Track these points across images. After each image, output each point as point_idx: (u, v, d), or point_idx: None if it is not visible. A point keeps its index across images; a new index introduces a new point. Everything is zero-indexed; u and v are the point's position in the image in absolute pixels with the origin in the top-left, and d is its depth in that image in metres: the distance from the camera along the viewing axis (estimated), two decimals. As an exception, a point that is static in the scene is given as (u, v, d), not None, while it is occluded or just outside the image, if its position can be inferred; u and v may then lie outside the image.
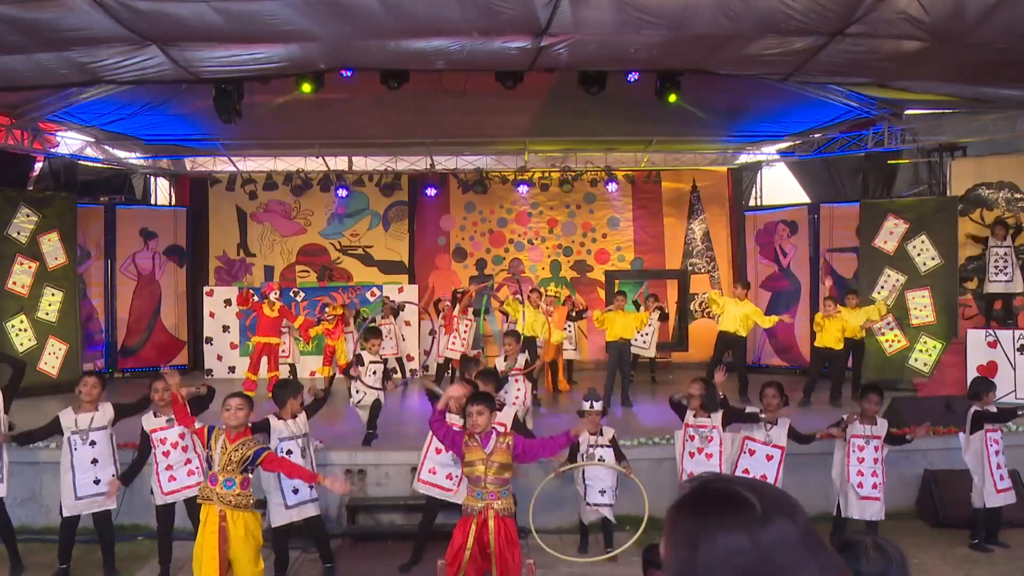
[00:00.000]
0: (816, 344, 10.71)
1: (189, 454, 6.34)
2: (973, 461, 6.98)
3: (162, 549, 6.40)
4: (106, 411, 6.42)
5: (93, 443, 6.32)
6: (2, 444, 6.46)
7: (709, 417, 6.75)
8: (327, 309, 12.27)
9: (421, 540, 6.68)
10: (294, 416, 6.31)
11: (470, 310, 12.19)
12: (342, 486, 5.60)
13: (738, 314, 10.68)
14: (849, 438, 6.77)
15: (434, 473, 6.67)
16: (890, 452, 7.87)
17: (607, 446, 6.62)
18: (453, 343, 12.00)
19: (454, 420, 6.50)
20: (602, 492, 6.61)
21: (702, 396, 6.76)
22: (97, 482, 6.32)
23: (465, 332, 12.05)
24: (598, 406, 6.58)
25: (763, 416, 6.72)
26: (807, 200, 14.52)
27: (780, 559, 1.16)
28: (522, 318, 10.84)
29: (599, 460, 6.56)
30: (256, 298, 11.61)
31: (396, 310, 12.98)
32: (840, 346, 10.53)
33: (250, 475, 5.37)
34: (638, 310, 11.94)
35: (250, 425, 5.56)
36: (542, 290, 12.72)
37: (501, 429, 6.57)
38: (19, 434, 6.52)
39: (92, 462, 6.31)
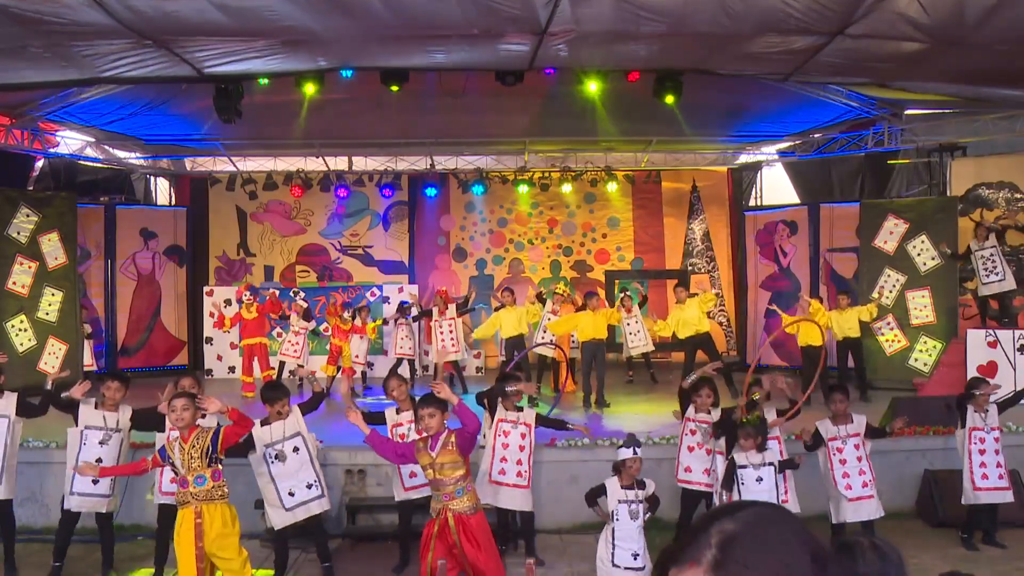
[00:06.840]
0: (800, 344, 10.86)
1: None
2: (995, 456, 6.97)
3: (159, 549, 6.38)
4: (125, 415, 6.45)
5: (103, 443, 6.33)
6: (8, 445, 6.50)
7: (710, 414, 6.75)
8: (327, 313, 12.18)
9: (404, 542, 6.69)
10: (282, 417, 6.22)
11: (449, 308, 11.98)
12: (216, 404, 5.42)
13: (690, 317, 10.80)
14: (826, 442, 6.64)
15: (415, 476, 6.55)
16: (891, 452, 7.89)
17: (643, 502, 5.45)
18: (443, 346, 11.78)
19: (399, 420, 6.53)
20: (635, 556, 5.47)
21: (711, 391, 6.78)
22: (96, 482, 6.31)
23: (451, 332, 11.85)
24: (640, 452, 5.47)
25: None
26: (807, 200, 14.51)
27: None
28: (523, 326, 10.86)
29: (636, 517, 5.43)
30: (245, 304, 11.74)
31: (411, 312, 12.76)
32: (819, 342, 10.57)
33: (220, 466, 5.35)
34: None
35: (199, 424, 5.50)
36: (543, 289, 12.70)
37: (524, 429, 6.55)
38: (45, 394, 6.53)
39: (96, 461, 6.24)
